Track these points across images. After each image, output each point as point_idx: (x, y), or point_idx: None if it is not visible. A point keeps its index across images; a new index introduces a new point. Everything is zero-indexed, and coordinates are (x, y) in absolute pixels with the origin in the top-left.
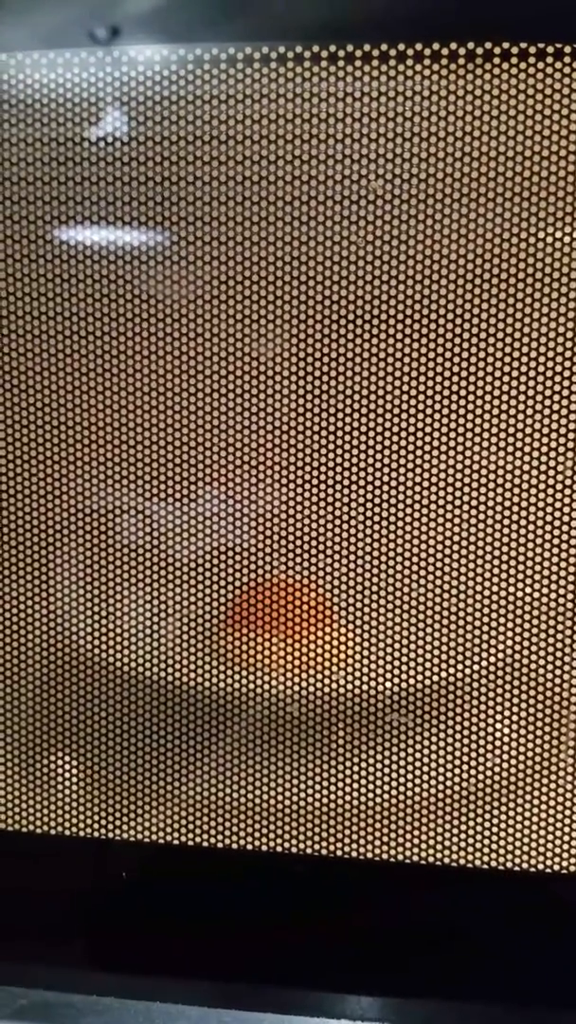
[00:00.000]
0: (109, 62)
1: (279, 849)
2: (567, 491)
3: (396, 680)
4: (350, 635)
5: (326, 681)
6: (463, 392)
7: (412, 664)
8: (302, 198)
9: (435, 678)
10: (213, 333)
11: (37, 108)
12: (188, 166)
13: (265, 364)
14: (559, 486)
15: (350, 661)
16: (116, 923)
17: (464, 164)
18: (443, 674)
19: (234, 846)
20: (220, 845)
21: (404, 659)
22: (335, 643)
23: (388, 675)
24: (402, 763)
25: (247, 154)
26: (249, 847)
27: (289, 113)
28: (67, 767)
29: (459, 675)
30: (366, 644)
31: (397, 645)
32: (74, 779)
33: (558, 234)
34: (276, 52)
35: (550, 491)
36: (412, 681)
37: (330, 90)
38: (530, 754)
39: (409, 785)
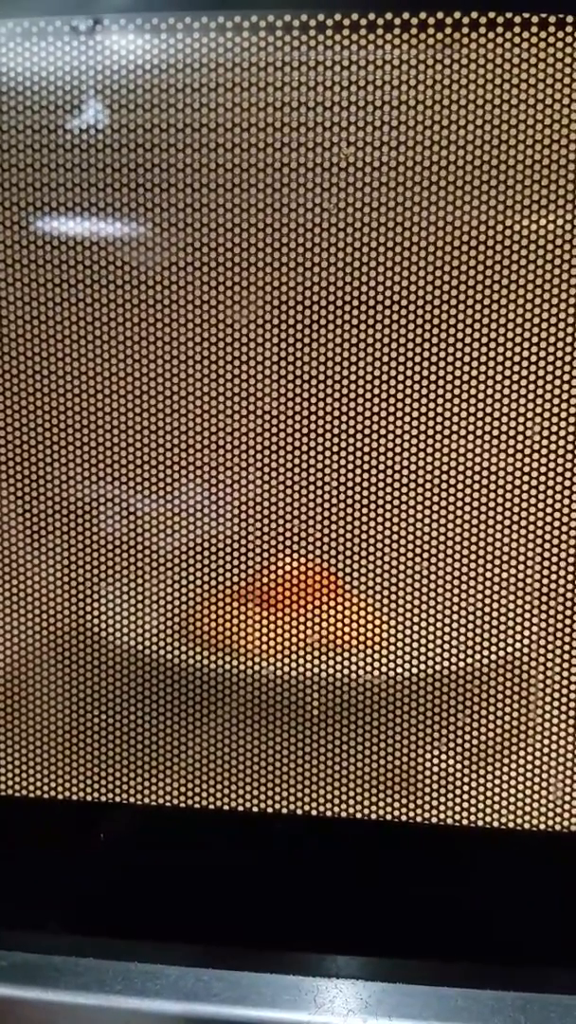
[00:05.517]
0: (99, 31)
1: (255, 809)
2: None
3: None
4: (326, 620)
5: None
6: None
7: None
8: (291, 167)
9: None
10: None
11: (25, 75)
12: (179, 134)
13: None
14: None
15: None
16: (95, 885)
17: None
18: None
19: (211, 807)
20: (197, 806)
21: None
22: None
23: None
24: (375, 725)
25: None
26: (226, 807)
27: (279, 81)
28: (42, 730)
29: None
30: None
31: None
32: (52, 742)
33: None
34: (266, 21)
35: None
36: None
37: (319, 59)
38: (511, 719)
39: (382, 745)
